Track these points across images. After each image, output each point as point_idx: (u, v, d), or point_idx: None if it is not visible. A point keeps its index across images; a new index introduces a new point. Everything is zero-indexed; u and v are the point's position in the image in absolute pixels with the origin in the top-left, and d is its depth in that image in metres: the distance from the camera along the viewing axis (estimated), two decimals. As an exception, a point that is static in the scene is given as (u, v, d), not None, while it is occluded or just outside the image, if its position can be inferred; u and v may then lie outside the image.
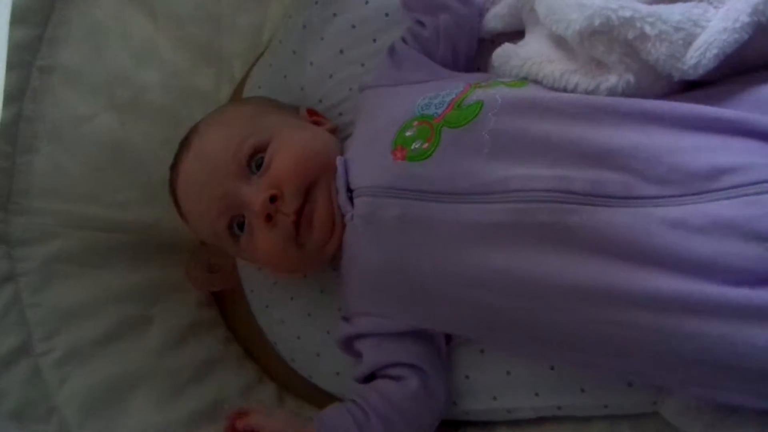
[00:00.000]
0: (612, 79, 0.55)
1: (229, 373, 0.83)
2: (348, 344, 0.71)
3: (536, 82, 0.62)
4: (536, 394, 0.70)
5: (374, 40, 0.81)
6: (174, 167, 0.75)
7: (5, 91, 0.66)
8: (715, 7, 0.52)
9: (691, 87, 0.59)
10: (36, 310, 0.68)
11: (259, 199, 0.65)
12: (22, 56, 0.68)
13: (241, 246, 0.70)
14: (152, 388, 0.72)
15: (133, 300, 0.79)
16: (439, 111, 0.64)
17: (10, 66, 0.66)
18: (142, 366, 0.74)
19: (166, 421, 0.70)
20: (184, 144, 0.75)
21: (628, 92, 0.55)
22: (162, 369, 0.75)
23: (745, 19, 0.50)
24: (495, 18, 0.72)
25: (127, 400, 0.70)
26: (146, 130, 0.83)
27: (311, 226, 0.67)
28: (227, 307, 0.93)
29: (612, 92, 0.55)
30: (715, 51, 0.51)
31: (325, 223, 0.66)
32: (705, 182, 0.50)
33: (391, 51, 0.76)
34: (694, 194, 0.51)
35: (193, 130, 0.75)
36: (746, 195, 0.49)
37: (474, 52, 0.76)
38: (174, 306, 0.84)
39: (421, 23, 0.75)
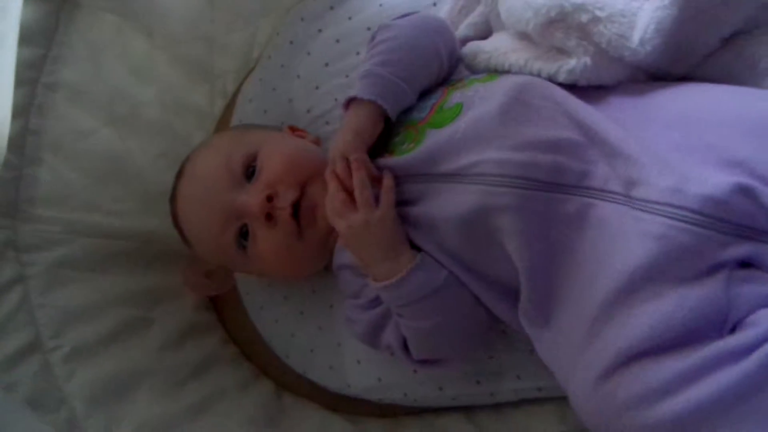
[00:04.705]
0: (571, 63, 0.60)
1: (227, 371, 0.87)
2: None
3: (505, 71, 0.67)
4: (518, 377, 0.74)
5: (357, 53, 0.86)
6: (173, 198, 0.78)
7: (13, 105, 0.70)
8: (648, -1, 0.59)
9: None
10: (44, 310, 0.72)
11: (257, 200, 0.69)
12: (28, 74, 0.73)
13: (248, 256, 0.73)
14: (154, 384, 0.76)
15: (134, 303, 0.82)
16: (423, 114, 0.69)
17: (18, 83, 0.69)
18: (143, 363, 0.77)
19: (168, 413, 0.73)
20: (178, 174, 0.79)
21: (585, 74, 0.60)
22: (162, 366, 0.79)
23: None
24: (468, 27, 0.78)
25: (131, 393, 0.73)
26: (143, 143, 0.87)
27: (313, 218, 0.71)
28: (224, 311, 0.96)
29: (571, 74, 0.60)
30: (653, 26, 0.56)
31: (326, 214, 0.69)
32: (627, 189, 0.54)
33: None
34: (624, 196, 0.55)
35: (185, 161, 0.79)
36: (639, 209, 0.53)
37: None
38: (173, 309, 0.88)
39: None
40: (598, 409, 0.51)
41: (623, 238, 0.53)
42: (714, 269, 0.51)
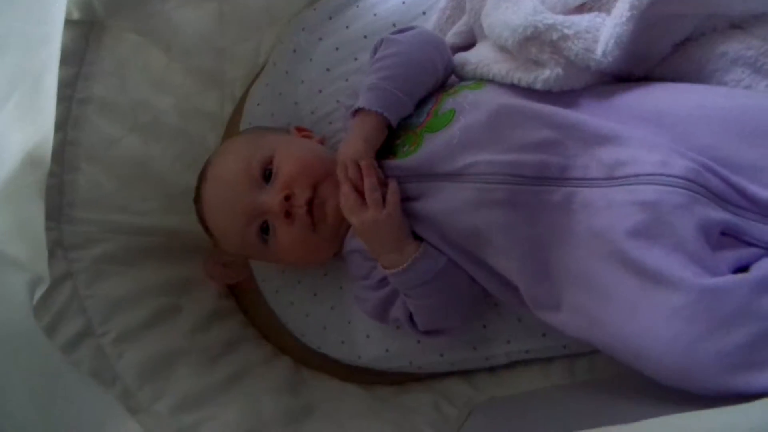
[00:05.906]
0: (546, 72, 0.69)
1: (250, 350, 0.97)
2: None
3: (490, 80, 0.76)
4: (508, 342, 0.85)
5: (355, 59, 0.95)
6: (197, 199, 0.86)
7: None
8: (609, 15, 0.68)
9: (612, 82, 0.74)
10: (91, 301, 0.80)
11: (276, 200, 0.78)
12: (64, 91, 0.82)
13: (269, 247, 0.82)
14: (190, 361, 0.85)
15: (165, 292, 0.91)
16: (420, 120, 0.78)
17: (57, 100, 0.76)
18: (180, 344, 0.87)
19: (205, 385, 0.83)
20: (201, 177, 0.86)
21: (559, 82, 0.69)
22: (195, 346, 0.88)
23: (626, 14, 0.66)
24: (454, 35, 0.88)
25: (173, 369, 0.82)
26: (163, 147, 0.96)
27: (324, 213, 0.80)
28: (242, 297, 1.06)
29: (546, 83, 0.69)
30: (613, 41, 0.66)
31: (336, 209, 0.78)
32: (611, 171, 0.63)
33: None
34: (605, 179, 0.64)
35: (206, 164, 0.87)
36: (629, 184, 0.62)
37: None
38: (198, 297, 0.97)
39: None
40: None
41: (617, 209, 0.61)
42: (705, 230, 0.58)
